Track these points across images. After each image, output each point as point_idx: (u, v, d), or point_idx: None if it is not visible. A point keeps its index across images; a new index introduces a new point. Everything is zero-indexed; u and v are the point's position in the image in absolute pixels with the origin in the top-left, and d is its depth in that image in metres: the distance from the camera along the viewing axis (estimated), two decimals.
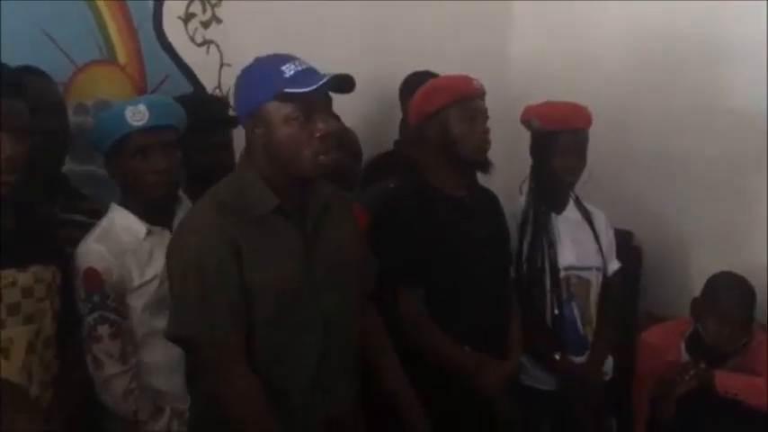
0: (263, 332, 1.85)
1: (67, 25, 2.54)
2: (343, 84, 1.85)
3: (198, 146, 2.41)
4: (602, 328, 2.80)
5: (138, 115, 2.13)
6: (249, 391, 1.82)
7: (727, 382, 2.78)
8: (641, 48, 3.54)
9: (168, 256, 1.91)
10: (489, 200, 2.65)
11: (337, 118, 2.61)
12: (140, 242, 2.12)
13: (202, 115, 2.42)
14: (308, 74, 1.80)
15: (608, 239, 2.88)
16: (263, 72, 1.86)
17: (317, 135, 1.80)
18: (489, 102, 2.57)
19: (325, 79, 1.78)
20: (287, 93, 1.78)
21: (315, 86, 1.77)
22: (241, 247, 1.82)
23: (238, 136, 2.18)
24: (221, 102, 2.79)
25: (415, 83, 2.82)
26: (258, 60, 1.91)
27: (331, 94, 1.99)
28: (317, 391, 1.93)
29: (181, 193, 2.27)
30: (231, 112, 2.57)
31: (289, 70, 1.80)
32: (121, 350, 2.07)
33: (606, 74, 3.60)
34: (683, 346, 2.95)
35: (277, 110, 1.81)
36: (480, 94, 2.50)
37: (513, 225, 2.71)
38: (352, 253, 2.01)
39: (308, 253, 1.90)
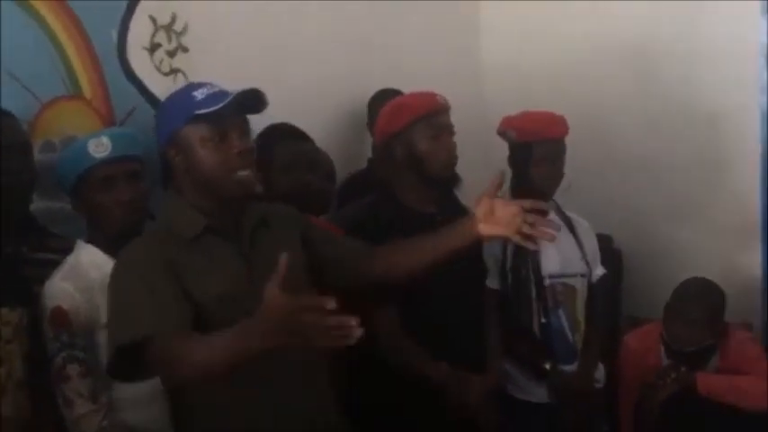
0: None
1: (30, 62, 2.51)
2: (256, 101, 1.88)
3: None
4: (589, 335, 2.80)
5: (100, 147, 2.15)
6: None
7: (709, 383, 2.78)
8: (616, 53, 3.55)
9: (108, 287, 1.87)
10: (461, 214, 2.61)
11: (312, 141, 2.61)
12: (107, 277, 2.09)
13: None
14: (220, 95, 1.84)
15: (591, 246, 2.88)
16: (177, 100, 1.91)
17: (234, 152, 1.83)
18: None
19: (232, 96, 1.81)
20: (199, 115, 1.82)
21: (223, 103, 1.80)
22: (178, 270, 1.81)
23: None
24: None
25: (382, 100, 2.82)
26: (173, 92, 1.96)
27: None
28: (281, 411, 1.87)
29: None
30: None
31: (200, 94, 1.84)
32: (92, 389, 2.05)
33: (582, 80, 3.62)
34: (662, 350, 2.94)
35: (192, 133, 1.84)
36: (444, 108, 2.49)
37: None
38: (298, 263, 1.96)
39: (248, 270, 1.89)
